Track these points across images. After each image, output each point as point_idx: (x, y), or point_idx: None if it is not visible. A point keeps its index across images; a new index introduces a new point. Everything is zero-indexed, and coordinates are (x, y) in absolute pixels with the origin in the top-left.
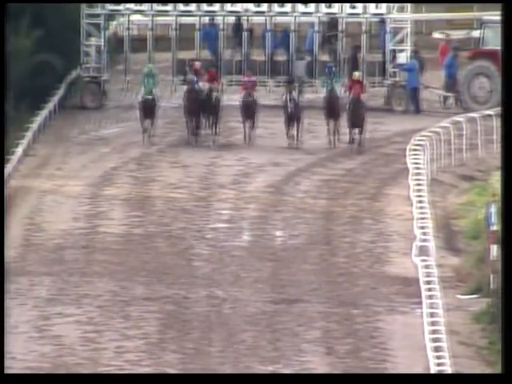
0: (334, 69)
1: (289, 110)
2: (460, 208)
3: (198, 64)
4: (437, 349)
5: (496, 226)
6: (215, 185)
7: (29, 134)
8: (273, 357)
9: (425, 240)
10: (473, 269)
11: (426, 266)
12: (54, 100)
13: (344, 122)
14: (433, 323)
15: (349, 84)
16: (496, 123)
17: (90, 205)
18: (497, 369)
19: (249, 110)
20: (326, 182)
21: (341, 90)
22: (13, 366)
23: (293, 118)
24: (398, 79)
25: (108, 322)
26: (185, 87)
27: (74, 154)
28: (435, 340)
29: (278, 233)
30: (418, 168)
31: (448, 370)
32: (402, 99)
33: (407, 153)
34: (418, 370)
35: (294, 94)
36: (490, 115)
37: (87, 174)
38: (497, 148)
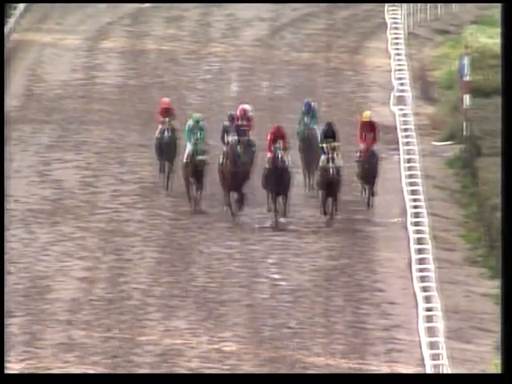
0: (313, 105)
1: (330, 175)
2: (435, 60)
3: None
4: (413, 192)
5: (468, 77)
6: (206, 39)
7: None
8: None
9: (402, 90)
10: (447, 117)
11: (403, 115)
12: None
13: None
14: (409, 168)
15: (360, 126)
16: None
17: (88, 57)
18: (469, 210)
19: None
20: (309, 36)
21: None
22: (16, 209)
23: (332, 191)
24: None
25: (105, 168)
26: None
27: (72, 9)
28: (412, 184)
29: (264, 83)
30: (395, 23)
31: (423, 211)
32: None
33: (386, 8)
34: (396, 211)
35: (336, 157)
36: None
37: (85, 28)
38: (470, 4)
